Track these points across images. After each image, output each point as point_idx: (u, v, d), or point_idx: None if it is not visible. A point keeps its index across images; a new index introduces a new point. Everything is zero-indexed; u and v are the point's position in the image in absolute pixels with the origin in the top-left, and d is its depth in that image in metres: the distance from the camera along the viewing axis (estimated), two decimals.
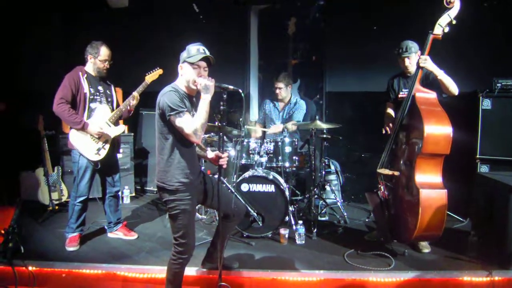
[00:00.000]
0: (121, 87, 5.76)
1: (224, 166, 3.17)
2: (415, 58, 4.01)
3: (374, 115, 4.55)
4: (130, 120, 6.01)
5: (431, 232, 3.61)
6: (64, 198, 5.46)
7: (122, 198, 5.77)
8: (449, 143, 3.53)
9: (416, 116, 3.68)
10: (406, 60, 4.12)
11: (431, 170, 3.63)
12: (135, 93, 4.25)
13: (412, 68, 4.11)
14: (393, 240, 4.06)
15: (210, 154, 3.35)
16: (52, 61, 6.01)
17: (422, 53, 3.77)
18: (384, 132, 4.28)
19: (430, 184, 3.58)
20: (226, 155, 3.18)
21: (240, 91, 3.15)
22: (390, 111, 4.38)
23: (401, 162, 3.92)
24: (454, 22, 3.65)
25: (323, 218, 5.11)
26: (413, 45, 4.08)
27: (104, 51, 4.17)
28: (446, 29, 3.67)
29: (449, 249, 4.01)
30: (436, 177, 3.63)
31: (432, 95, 3.78)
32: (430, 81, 3.90)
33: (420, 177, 3.61)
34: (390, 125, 4.17)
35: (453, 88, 3.82)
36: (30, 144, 5.49)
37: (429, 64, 3.76)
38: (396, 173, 3.91)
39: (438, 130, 3.54)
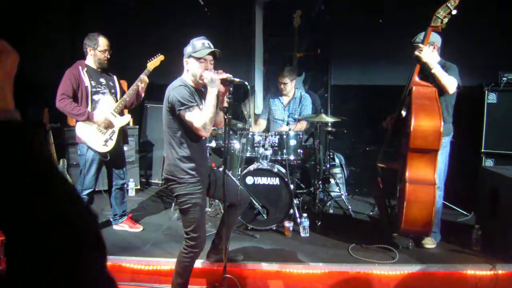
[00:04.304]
0: (125, 79, 5.77)
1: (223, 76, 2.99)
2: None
3: (379, 109, 4.55)
4: (135, 113, 6.02)
5: (418, 228, 3.62)
6: None
7: (127, 190, 5.80)
8: (438, 139, 3.47)
9: (409, 110, 3.64)
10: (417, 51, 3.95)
11: (422, 165, 3.58)
12: (143, 76, 4.23)
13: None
14: (393, 233, 4.08)
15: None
16: (57, 54, 6.01)
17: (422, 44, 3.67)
18: (383, 126, 4.29)
19: (418, 179, 3.56)
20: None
21: (246, 83, 3.14)
22: None
23: (399, 155, 3.93)
24: (454, 12, 3.48)
25: (327, 211, 5.13)
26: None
27: (102, 41, 4.17)
28: (445, 20, 3.52)
29: (453, 243, 4.02)
30: (426, 173, 3.57)
31: (430, 88, 3.66)
32: (429, 74, 3.74)
33: (410, 172, 3.58)
34: (388, 119, 4.17)
35: (447, 83, 3.63)
36: None
37: (423, 54, 3.63)
38: (383, 165, 4.01)
39: (426, 124, 3.48)
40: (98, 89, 4.16)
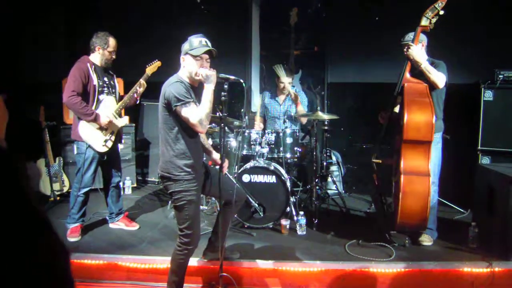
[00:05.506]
0: (122, 78, 5.75)
1: (224, 172, 3.25)
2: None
3: (375, 106, 4.55)
4: (132, 111, 6.00)
5: (414, 220, 3.63)
6: (65, 189, 5.47)
7: (124, 188, 5.78)
8: (430, 131, 3.55)
9: (402, 106, 3.72)
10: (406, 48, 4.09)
11: (416, 156, 3.64)
12: (142, 80, 4.25)
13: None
14: (390, 230, 4.07)
15: (214, 155, 3.45)
16: (53, 52, 5.98)
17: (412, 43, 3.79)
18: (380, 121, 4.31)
19: (413, 170, 3.60)
20: (226, 165, 3.29)
21: (242, 81, 3.14)
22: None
23: (394, 151, 3.96)
24: (441, 12, 3.61)
25: (324, 209, 5.12)
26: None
27: (112, 42, 4.17)
28: (434, 20, 3.65)
29: (450, 240, 4.02)
30: (420, 164, 3.62)
31: (421, 85, 3.76)
32: (419, 72, 3.85)
33: (405, 164, 3.63)
34: (383, 114, 4.23)
35: (436, 79, 3.71)
36: (31, 135, 5.48)
37: (411, 52, 3.74)
38: (378, 161, 4.05)
39: (418, 116, 3.57)
40: (103, 89, 4.15)
